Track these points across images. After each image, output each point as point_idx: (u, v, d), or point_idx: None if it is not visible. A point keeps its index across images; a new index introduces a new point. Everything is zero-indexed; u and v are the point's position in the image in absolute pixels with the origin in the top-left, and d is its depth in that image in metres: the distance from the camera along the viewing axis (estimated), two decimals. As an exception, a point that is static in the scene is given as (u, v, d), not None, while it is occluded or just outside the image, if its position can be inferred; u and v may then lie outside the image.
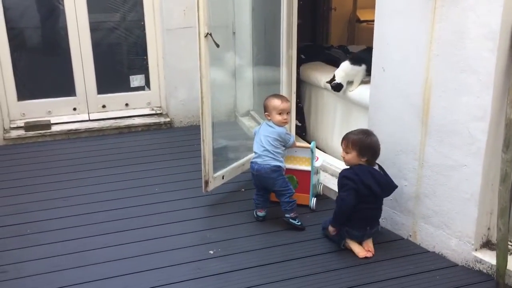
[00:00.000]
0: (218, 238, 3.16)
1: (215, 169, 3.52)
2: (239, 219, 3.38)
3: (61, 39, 4.90)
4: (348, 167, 3.01)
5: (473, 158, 2.68)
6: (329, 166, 3.90)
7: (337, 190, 3.10)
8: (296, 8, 3.76)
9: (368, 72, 3.48)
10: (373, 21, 3.10)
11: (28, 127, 4.82)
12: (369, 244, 3.01)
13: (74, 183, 3.91)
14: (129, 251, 3.03)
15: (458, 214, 2.82)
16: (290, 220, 3.24)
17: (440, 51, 2.72)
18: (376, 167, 2.98)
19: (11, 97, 4.85)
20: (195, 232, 3.24)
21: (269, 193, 3.37)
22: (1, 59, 4.72)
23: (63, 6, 4.79)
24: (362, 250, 2.98)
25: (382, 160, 3.03)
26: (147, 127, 5.11)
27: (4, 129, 4.78)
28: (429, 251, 3.01)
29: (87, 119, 5.07)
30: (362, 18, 6.43)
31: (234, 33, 4.91)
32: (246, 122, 4.97)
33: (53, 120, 4.96)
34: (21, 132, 4.80)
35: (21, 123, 4.87)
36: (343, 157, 3.03)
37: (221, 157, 3.73)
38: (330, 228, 3.01)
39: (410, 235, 3.12)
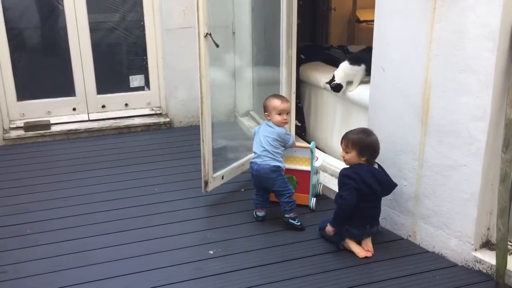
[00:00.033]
0: (218, 238, 3.16)
1: (215, 169, 3.52)
2: (239, 219, 3.38)
3: (60, 39, 4.90)
4: (348, 166, 3.01)
5: (473, 158, 2.68)
6: (328, 166, 3.91)
7: (337, 190, 3.10)
8: (295, 8, 3.76)
9: (368, 72, 3.48)
10: (372, 21, 3.10)
11: (28, 127, 4.81)
12: (368, 244, 3.01)
13: (74, 183, 3.91)
14: (130, 251, 3.03)
15: (457, 214, 2.83)
16: (290, 220, 3.24)
17: (439, 51, 2.72)
18: (376, 166, 2.98)
19: (11, 97, 4.85)
20: (195, 232, 3.25)
21: (269, 193, 3.37)
22: (1, 59, 4.72)
23: (63, 6, 4.79)
24: (362, 250, 2.98)
25: (382, 160, 3.03)
26: (146, 127, 5.11)
27: (4, 129, 4.78)
28: (428, 251, 3.02)
29: (87, 119, 5.07)
30: (361, 18, 6.43)
31: (233, 33, 4.91)
32: (246, 122, 4.96)
33: (52, 120, 4.96)
34: (21, 132, 4.80)
35: (20, 123, 4.87)
36: (343, 157, 3.02)
37: (220, 157, 3.73)
38: (329, 228, 3.00)
39: (409, 235, 3.12)
